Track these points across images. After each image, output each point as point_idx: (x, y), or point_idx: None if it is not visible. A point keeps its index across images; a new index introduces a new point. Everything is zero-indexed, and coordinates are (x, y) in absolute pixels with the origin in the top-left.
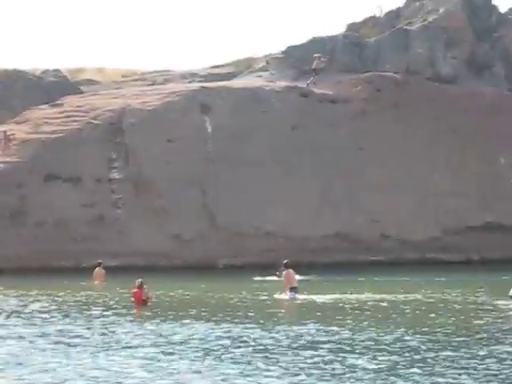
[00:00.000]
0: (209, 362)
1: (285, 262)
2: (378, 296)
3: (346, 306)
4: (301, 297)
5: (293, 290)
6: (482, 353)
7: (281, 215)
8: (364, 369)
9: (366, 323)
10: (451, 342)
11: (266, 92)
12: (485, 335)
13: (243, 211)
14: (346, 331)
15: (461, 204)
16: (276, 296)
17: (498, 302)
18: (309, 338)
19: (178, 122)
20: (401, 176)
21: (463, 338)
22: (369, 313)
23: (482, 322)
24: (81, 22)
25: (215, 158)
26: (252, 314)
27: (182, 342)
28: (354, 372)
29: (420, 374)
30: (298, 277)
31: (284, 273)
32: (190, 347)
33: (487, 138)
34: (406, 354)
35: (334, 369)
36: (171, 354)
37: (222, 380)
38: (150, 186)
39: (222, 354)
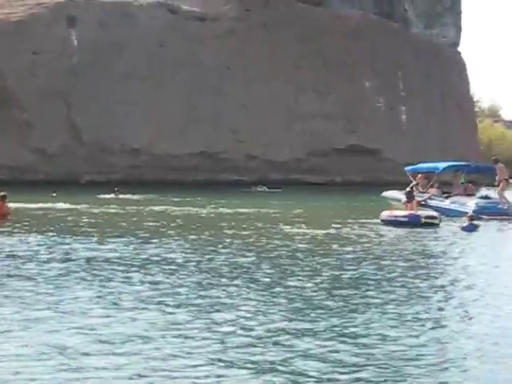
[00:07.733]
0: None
1: None
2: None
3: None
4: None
5: None
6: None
7: (146, 132)
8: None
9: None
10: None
11: (134, 7)
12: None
13: (109, 127)
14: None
15: (326, 126)
16: None
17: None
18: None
19: (43, 34)
20: (267, 97)
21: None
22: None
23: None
24: None
25: (81, 72)
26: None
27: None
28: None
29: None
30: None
31: None
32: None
33: (353, 62)
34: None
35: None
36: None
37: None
38: (13, 99)
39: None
